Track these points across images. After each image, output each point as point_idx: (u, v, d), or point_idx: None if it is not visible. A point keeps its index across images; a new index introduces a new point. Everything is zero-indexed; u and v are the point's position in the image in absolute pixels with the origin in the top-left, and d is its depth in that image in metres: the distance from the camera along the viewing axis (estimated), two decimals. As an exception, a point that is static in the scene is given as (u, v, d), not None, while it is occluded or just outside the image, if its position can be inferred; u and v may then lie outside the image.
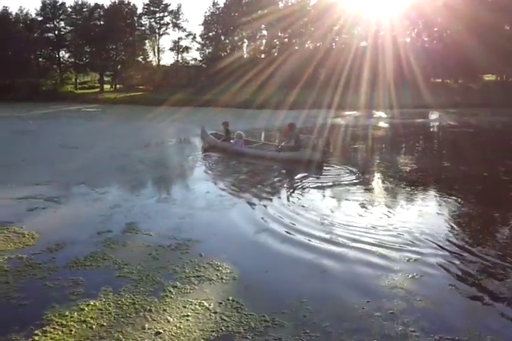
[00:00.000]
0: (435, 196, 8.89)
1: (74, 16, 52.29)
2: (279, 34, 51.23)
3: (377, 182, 10.28)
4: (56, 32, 52.08)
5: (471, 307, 4.51)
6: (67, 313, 4.24)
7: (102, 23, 52.15)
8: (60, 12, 51.68)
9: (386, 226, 6.86)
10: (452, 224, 7.09)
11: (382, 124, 23.73)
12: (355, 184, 9.79)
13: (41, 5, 51.12)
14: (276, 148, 12.93)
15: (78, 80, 55.39)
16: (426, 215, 7.50)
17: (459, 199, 8.62)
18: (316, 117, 26.22)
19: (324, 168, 11.54)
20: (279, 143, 13.43)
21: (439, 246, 6.00)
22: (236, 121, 23.08)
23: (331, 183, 9.83)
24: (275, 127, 20.79)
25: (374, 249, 5.88)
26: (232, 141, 14.24)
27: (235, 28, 50.56)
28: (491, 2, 37.06)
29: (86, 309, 4.33)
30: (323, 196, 8.79)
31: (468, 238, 6.46)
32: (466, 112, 29.01)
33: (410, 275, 5.09)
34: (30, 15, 51.97)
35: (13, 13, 51.61)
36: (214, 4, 53.41)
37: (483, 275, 5.14)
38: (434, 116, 29.61)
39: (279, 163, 12.21)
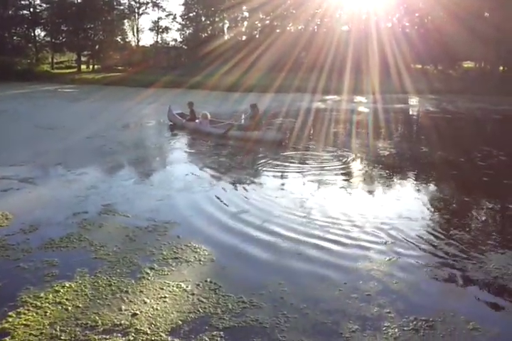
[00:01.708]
0: (412, 180, 9.00)
1: (50, -7, 50.64)
2: (261, 16, 50.59)
3: (355, 165, 10.33)
4: (31, 9, 50.29)
5: (446, 290, 4.59)
6: (42, 295, 4.18)
7: (79, 1, 50.62)
8: (36, -12, 49.98)
9: (363, 209, 6.91)
10: (429, 208, 7.19)
11: (363, 109, 23.78)
12: (334, 167, 9.82)
13: (16, -20, 49.30)
14: (238, 127, 13.29)
15: (55, 60, 53.86)
16: (403, 199, 7.59)
17: (436, 184, 8.76)
18: (300, 101, 26.19)
19: (305, 151, 11.56)
20: (243, 123, 13.63)
21: (415, 229, 6.07)
22: (221, 104, 22.89)
23: (310, 167, 9.86)
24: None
25: (351, 231, 5.93)
26: (197, 120, 14.53)
27: (216, 9, 49.71)
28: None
29: (61, 291, 4.27)
30: (302, 179, 8.81)
31: (444, 222, 6.55)
32: (445, 98, 29.27)
33: (387, 258, 5.15)
34: (5, -10, 50.09)
35: (-14, -11, 49.64)
36: (195, -16, 52.34)
37: (458, 258, 5.23)
38: (413, 101, 29.78)
39: (247, 142, 12.37)
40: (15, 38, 50.86)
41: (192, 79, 34.11)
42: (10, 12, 48.93)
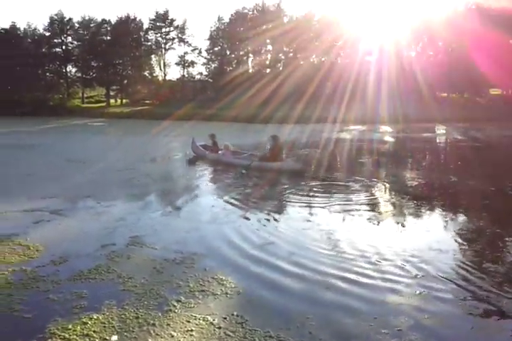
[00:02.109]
0: (442, 211, 8.82)
1: (81, 31, 52.87)
2: (284, 48, 51.65)
3: (382, 196, 10.20)
4: (64, 47, 52.69)
5: (480, 326, 4.42)
6: (70, 327, 4.20)
7: (108, 38, 52.74)
8: (68, 27, 52.27)
9: (391, 241, 6.79)
10: (459, 240, 7.01)
11: (388, 139, 23.71)
12: (360, 198, 9.73)
13: (49, 20, 51.78)
14: (259, 157, 13.48)
15: (85, 94, 55.87)
16: (432, 230, 7.43)
17: (467, 215, 8.56)
18: (322, 131, 26.31)
19: (331, 182, 11.51)
20: (264, 153, 13.84)
21: (446, 262, 5.92)
22: (242, 136, 23.17)
23: (336, 197, 9.78)
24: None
25: (379, 264, 5.81)
26: (220, 152, 14.77)
27: (241, 43, 51.01)
28: (494, 17, 37.22)
29: (89, 323, 4.29)
30: (329, 210, 8.72)
31: (476, 255, 6.37)
32: (473, 126, 28.96)
33: (417, 292, 5.01)
34: (38, 30, 52.63)
35: (22, 28, 52.29)
36: (219, 19, 53.98)
37: (492, 293, 5.04)
38: (440, 130, 29.55)
39: (269, 172, 12.55)
40: (48, 74, 53.15)
41: (216, 112, 34.80)
42: (43, 50, 51.23)
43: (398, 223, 7.90)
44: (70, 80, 53.50)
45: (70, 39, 53.14)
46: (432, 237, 7.00)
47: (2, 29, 51.33)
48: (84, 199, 9.63)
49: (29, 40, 51.53)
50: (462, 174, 12.96)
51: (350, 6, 58.95)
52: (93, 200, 9.50)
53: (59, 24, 51.68)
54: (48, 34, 52.12)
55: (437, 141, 24.78)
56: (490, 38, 35.16)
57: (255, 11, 52.84)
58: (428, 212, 8.78)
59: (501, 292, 5.04)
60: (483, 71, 35.69)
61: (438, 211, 8.83)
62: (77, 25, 52.61)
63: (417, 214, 8.54)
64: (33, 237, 6.84)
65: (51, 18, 51.64)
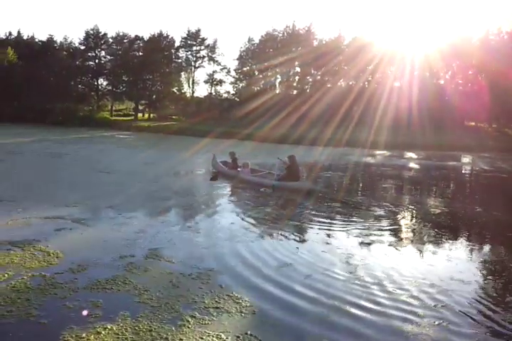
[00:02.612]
0: (465, 241, 8.64)
1: (114, 46, 54.34)
2: (312, 71, 52.04)
3: (405, 223, 10.06)
4: (96, 60, 54.21)
5: (501, 360, 4.28)
6: (84, 335, 4.22)
7: (140, 54, 54.04)
8: (102, 42, 53.84)
9: (411, 269, 6.67)
10: (482, 271, 6.84)
11: (413, 165, 23.46)
12: (382, 223, 9.60)
13: (84, 35, 53.46)
14: (279, 177, 13.64)
15: (114, 108, 57.09)
16: (454, 260, 7.26)
17: (490, 246, 8.37)
18: (350, 155, 26.28)
19: (352, 206, 11.42)
20: (279, 173, 14.04)
21: (467, 293, 5.77)
22: (270, 156, 23.18)
23: (357, 222, 9.68)
24: (304, 163, 20.88)
25: (398, 292, 5.71)
26: (239, 169, 15.21)
27: (269, 64, 51.56)
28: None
29: (103, 332, 4.30)
30: (349, 234, 8.63)
31: (499, 287, 6.20)
32: (500, 157, 28.49)
33: (437, 323, 4.90)
34: (74, 43, 54.43)
35: (58, 41, 54.14)
36: (249, 40, 54.84)
37: (511, 329, 4.90)
38: (466, 159, 29.13)
39: (289, 192, 12.69)
40: (79, 86, 54.58)
41: (243, 131, 35.00)
42: (77, 62, 52.74)
43: (419, 251, 7.76)
44: (100, 93, 54.82)
45: (103, 53, 54.77)
46: (454, 267, 6.85)
47: (40, 41, 53.22)
48: (106, 210, 9.75)
49: (64, 52, 53.20)
50: (487, 204, 12.70)
51: (380, 31, 59.20)
52: (115, 211, 9.61)
53: (94, 38, 53.31)
54: (82, 47, 53.80)
55: (463, 169, 24.43)
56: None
57: (285, 33, 53.54)
58: (450, 241, 8.60)
59: (524, 328, 4.88)
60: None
61: (461, 241, 8.65)
62: (110, 40, 54.21)
63: (439, 243, 8.37)
64: (54, 244, 6.94)
65: (87, 33, 53.39)
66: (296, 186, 12.96)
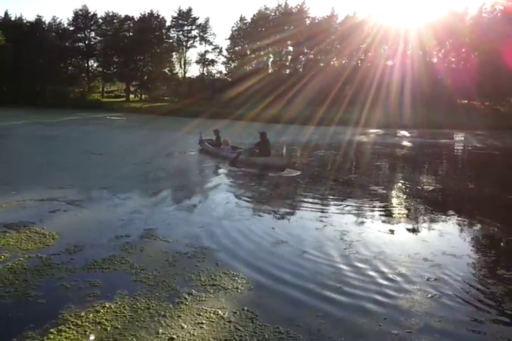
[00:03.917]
0: (457, 217, 8.72)
1: (104, 27, 53.36)
2: (305, 51, 51.51)
3: (398, 200, 10.15)
4: (86, 42, 53.26)
5: (492, 331, 4.37)
6: (82, 314, 4.26)
7: (131, 34, 53.18)
8: (92, 23, 52.83)
9: (405, 244, 6.77)
10: (474, 246, 6.96)
11: (406, 143, 23.52)
12: (375, 201, 9.68)
13: (73, 15, 52.35)
14: (248, 152, 14.13)
15: (105, 89, 56.45)
16: (447, 235, 7.35)
17: (482, 221, 8.45)
18: (342, 134, 26.26)
19: (346, 184, 11.48)
20: (251, 149, 14.38)
21: (459, 267, 5.87)
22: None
23: (351, 199, 9.76)
24: (297, 141, 20.88)
25: (394, 267, 5.79)
26: (222, 146, 15.77)
27: (261, 43, 50.96)
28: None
29: (101, 311, 4.35)
30: (343, 212, 8.70)
31: (491, 261, 6.31)
32: (492, 134, 28.59)
33: (430, 295, 4.98)
34: (63, 24, 53.19)
35: (46, 22, 52.95)
36: (241, 19, 54.00)
37: (505, 298, 5.00)
38: (459, 137, 29.24)
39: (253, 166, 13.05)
40: (70, 67, 53.75)
41: (236, 111, 34.78)
42: (67, 44, 51.87)
43: (412, 227, 7.84)
44: (91, 74, 54.05)
45: (93, 34, 53.75)
46: (446, 242, 6.94)
47: (28, 22, 52.17)
48: (101, 191, 9.74)
49: (53, 33, 52.21)
50: (479, 181, 12.81)
51: (373, 9, 58.52)
52: (109, 192, 9.61)
53: (83, 19, 52.26)
54: (71, 28, 52.74)
55: (455, 147, 24.53)
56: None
57: (277, 12, 52.78)
58: (443, 217, 8.68)
59: (515, 299, 4.99)
60: (506, 78, 35.18)
61: (453, 217, 8.74)
62: (100, 20, 53.16)
63: (432, 219, 8.46)
64: (50, 226, 6.95)
65: (75, 13, 52.34)
66: (262, 161, 13.34)
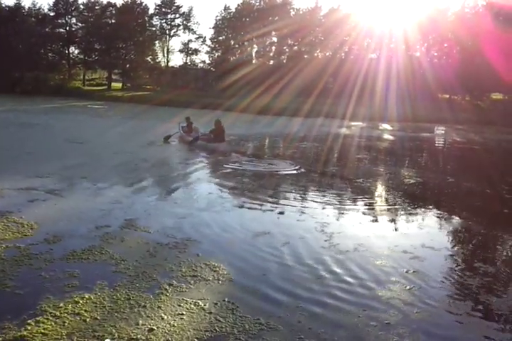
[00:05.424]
0: (436, 210, 8.85)
1: (86, 13, 52.30)
2: (289, 42, 51.37)
3: (378, 193, 10.26)
4: (67, 28, 52.09)
5: (469, 322, 4.46)
6: (61, 305, 4.21)
7: (113, 21, 52.23)
8: (73, 8, 51.65)
9: (384, 236, 6.83)
10: (452, 239, 7.08)
11: (388, 136, 23.72)
12: (356, 193, 9.77)
13: (54, 0, 51.09)
14: (205, 138, 15.51)
15: (86, 77, 55.48)
16: (426, 228, 7.46)
17: (460, 215, 8.61)
18: (327, 126, 26.33)
19: (327, 176, 11.53)
20: (207, 135, 15.78)
21: (438, 259, 5.97)
22: (250, 127, 23.04)
23: (332, 192, 9.82)
24: (283, 133, 20.90)
25: (373, 259, 5.85)
26: (192, 133, 16.50)
27: (245, 33, 50.65)
28: (503, 18, 37.12)
29: (80, 302, 4.30)
30: (324, 205, 8.73)
31: (468, 253, 6.44)
32: (472, 129, 28.99)
33: (408, 287, 5.05)
34: (43, 10, 51.88)
35: (26, 7, 51.61)
36: (225, 9, 53.53)
37: (482, 290, 5.10)
38: (439, 131, 29.59)
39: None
40: (50, 54, 52.57)
41: (219, 102, 34.46)
42: (47, 30, 50.71)
43: (392, 219, 7.94)
44: (71, 61, 52.98)
45: (74, 20, 52.61)
46: (425, 235, 7.04)
47: (6, 7, 50.80)
48: (81, 180, 9.61)
49: (33, 19, 50.96)
50: (458, 175, 13.01)
51: (358, 2, 58.53)
52: (89, 182, 9.49)
53: (64, 5, 51.04)
54: (52, 14, 51.54)
55: (436, 141, 24.84)
56: (494, 40, 34.87)
57: (262, 2, 52.43)
58: (423, 210, 8.82)
59: (490, 290, 5.10)
60: (487, 74, 35.60)
61: (433, 210, 8.87)
62: (81, 6, 52.10)
63: (411, 212, 8.58)
64: (28, 215, 6.83)
65: (56, -2, 51.08)
66: (212, 147, 14.78)
